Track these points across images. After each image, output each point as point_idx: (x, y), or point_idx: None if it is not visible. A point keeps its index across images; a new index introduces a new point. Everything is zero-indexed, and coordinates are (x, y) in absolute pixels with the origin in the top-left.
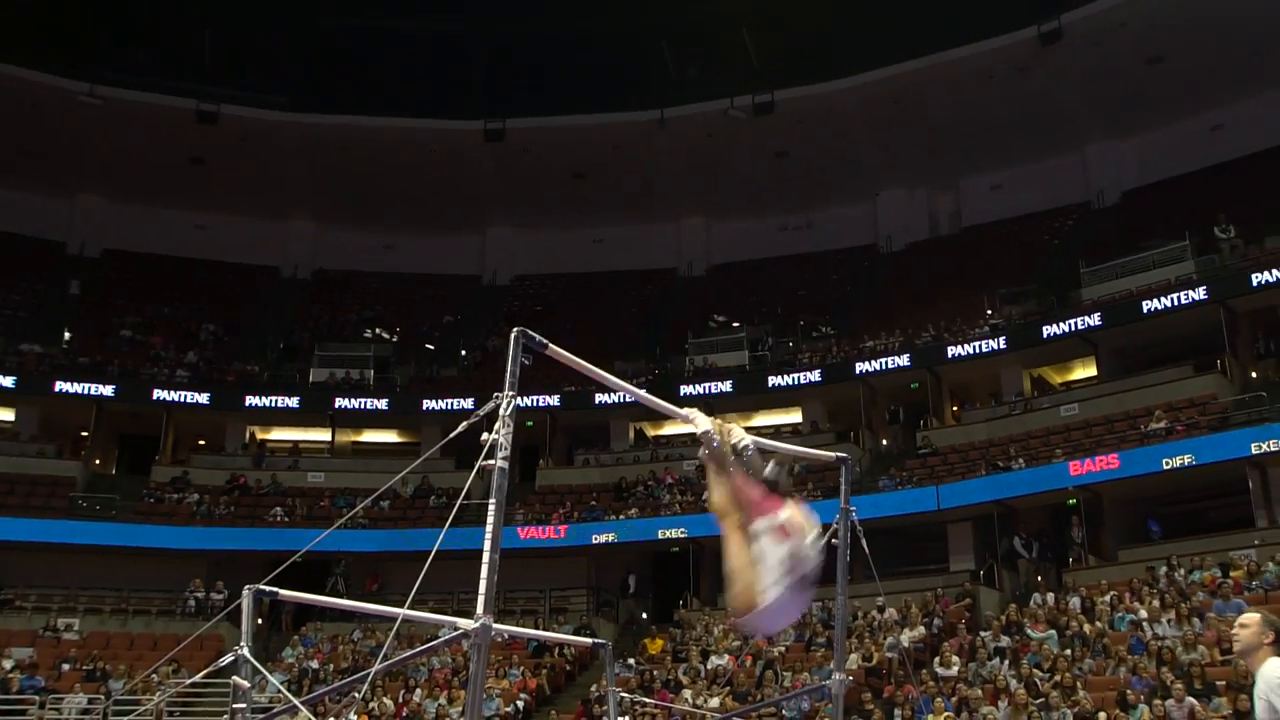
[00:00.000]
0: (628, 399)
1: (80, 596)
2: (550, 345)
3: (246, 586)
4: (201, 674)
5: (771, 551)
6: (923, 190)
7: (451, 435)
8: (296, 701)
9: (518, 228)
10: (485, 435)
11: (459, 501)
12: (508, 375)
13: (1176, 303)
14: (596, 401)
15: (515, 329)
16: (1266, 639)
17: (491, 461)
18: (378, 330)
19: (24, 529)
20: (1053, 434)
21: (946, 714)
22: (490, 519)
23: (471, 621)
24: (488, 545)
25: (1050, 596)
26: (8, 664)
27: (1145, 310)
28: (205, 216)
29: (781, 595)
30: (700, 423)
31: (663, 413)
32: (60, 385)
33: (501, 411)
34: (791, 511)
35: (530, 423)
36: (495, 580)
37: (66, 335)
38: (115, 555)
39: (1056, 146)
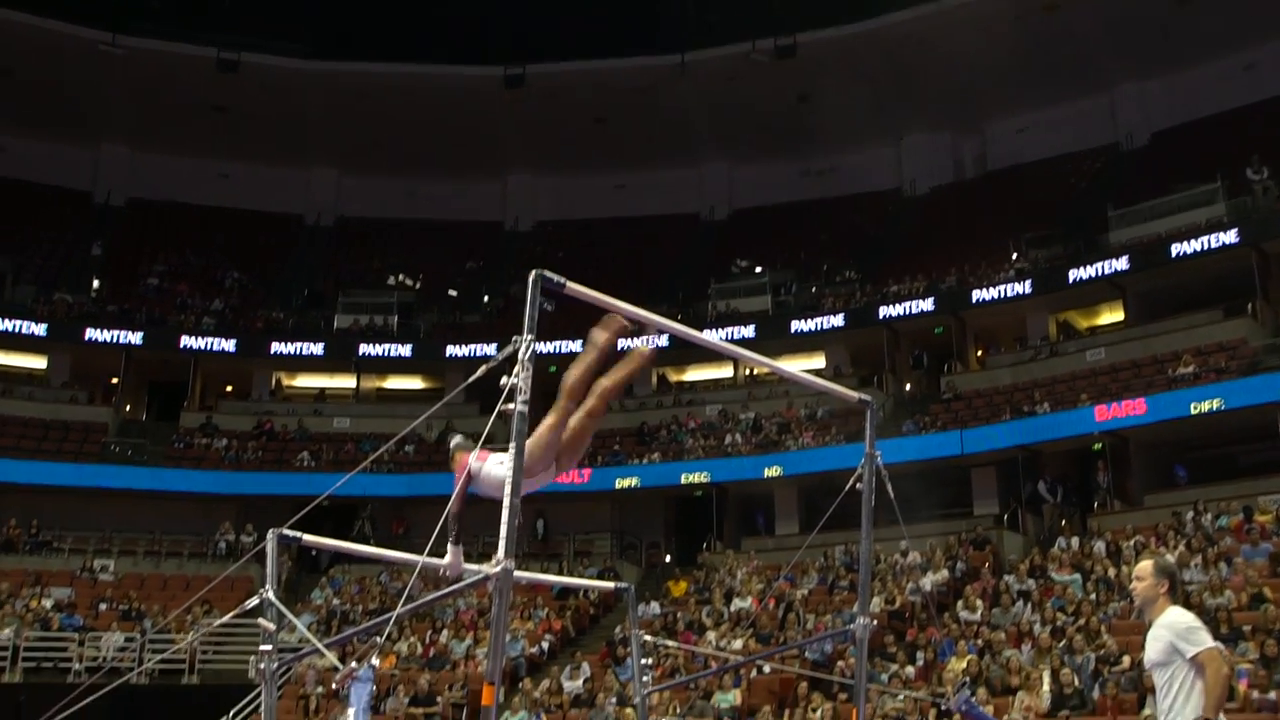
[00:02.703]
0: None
1: (115, 539)
2: (568, 284)
3: (270, 530)
4: (229, 616)
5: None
6: (947, 134)
7: (470, 379)
8: (319, 644)
9: (539, 174)
10: (504, 379)
11: (477, 446)
12: (526, 318)
13: (1207, 246)
14: (620, 347)
15: (533, 271)
16: (1162, 588)
17: (511, 405)
18: (401, 277)
19: (59, 473)
20: (1078, 379)
21: (969, 657)
22: (510, 463)
23: (492, 566)
24: (508, 490)
25: (1074, 541)
26: (48, 603)
27: (1174, 254)
28: (228, 165)
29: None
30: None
31: (691, 340)
32: (90, 333)
33: (520, 355)
34: None
35: (553, 368)
36: (516, 525)
37: (95, 284)
38: (147, 499)
39: (1084, 87)
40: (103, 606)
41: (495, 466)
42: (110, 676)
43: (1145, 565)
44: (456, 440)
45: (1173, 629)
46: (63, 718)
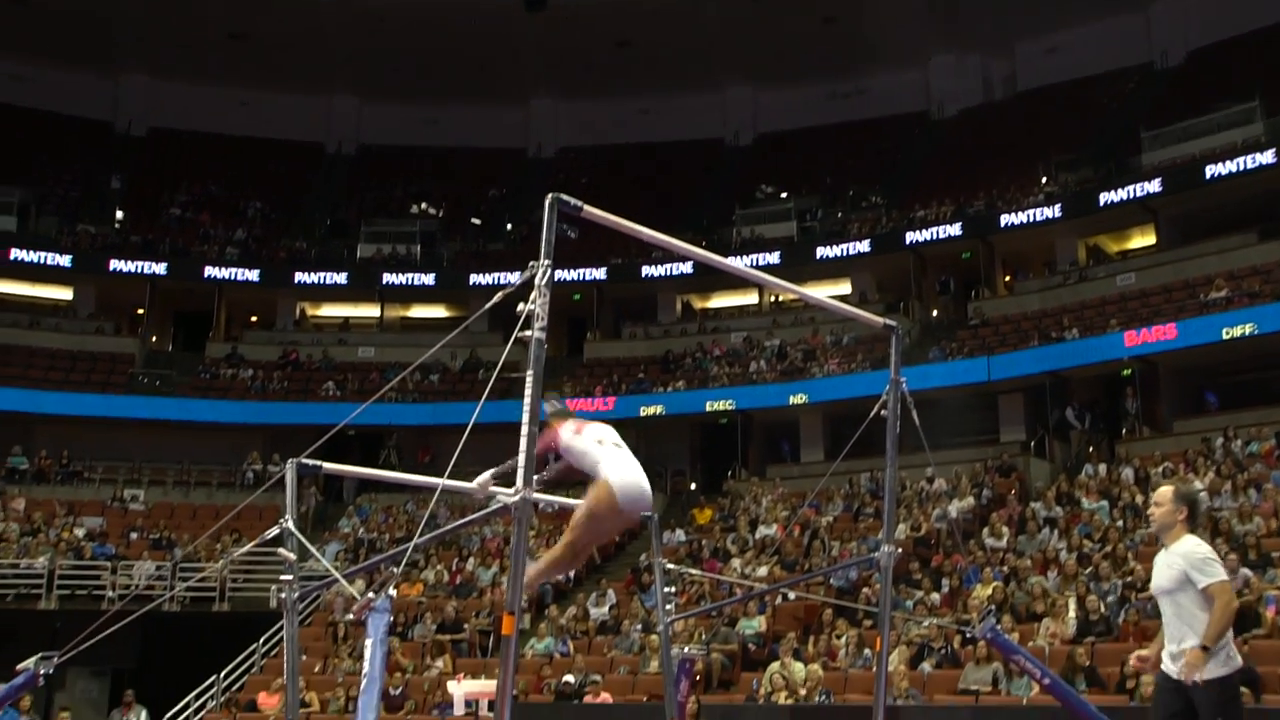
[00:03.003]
0: (674, 272)
1: (144, 469)
2: (586, 207)
3: (289, 460)
4: (249, 546)
5: (577, 443)
6: (976, 55)
7: (487, 306)
8: (337, 575)
9: (562, 99)
10: (521, 306)
11: (495, 373)
12: (543, 243)
13: (1243, 167)
14: (643, 274)
15: (550, 195)
16: (1180, 515)
17: (528, 332)
18: (424, 205)
19: (88, 404)
20: (1108, 304)
21: (995, 584)
22: (528, 390)
23: (511, 494)
24: (525, 417)
25: (1102, 468)
26: (80, 532)
27: (1209, 175)
28: (248, 93)
29: (612, 467)
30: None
31: (716, 267)
32: (115, 264)
33: (538, 281)
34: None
35: (578, 296)
36: (535, 452)
37: (118, 215)
38: (175, 429)
39: (1118, 4)
40: (134, 536)
41: (578, 440)
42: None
43: (1165, 490)
44: (551, 407)
45: (1188, 558)
46: (98, 643)
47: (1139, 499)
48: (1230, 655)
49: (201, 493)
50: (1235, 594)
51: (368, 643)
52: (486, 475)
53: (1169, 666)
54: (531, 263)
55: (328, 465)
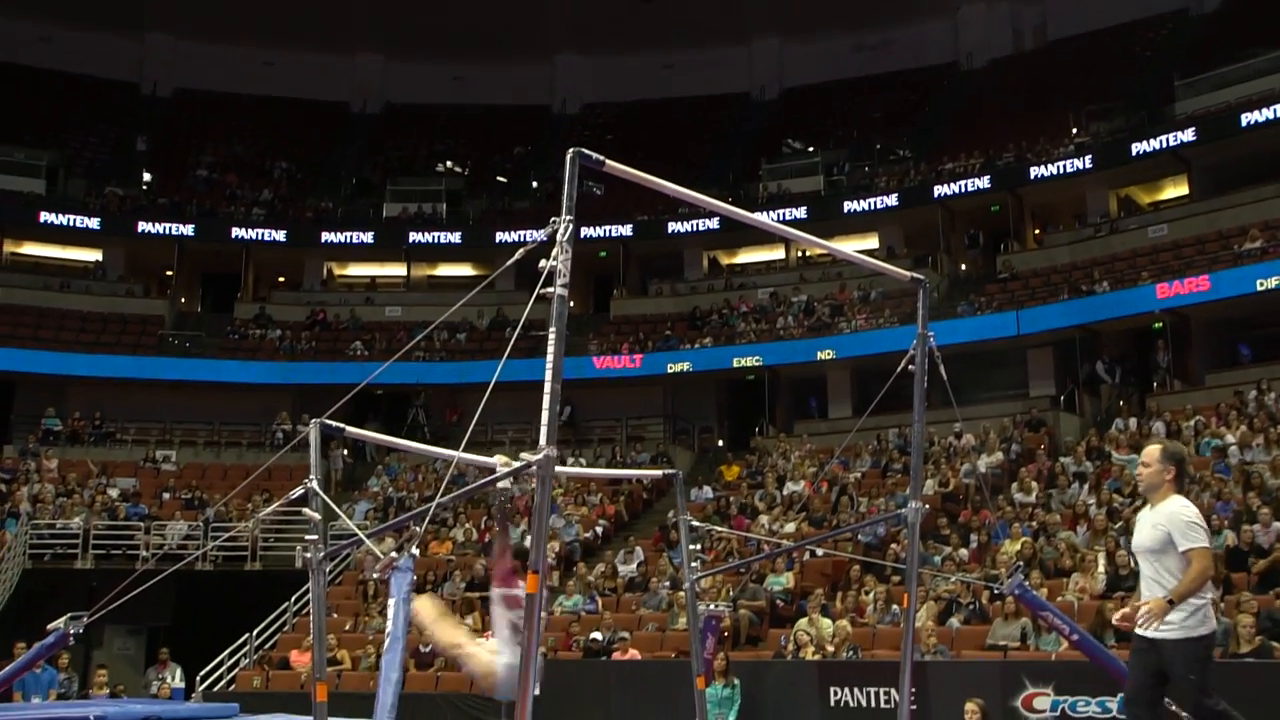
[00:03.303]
0: (700, 228)
1: (175, 430)
2: (608, 162)
3: (312, 420)
4: (274, 507)
5: (500, 617)
6: (1006, 3)
7: (508, 263)
8: (360, 535)
9: (586, 55)
10: (543, 262)
11: (517, 331)
12: (564, 198)
13: (1279, 115)
14: (670, 230)
15: (571, 149)
16: (1168, 475)
17: (550, 289)
18: (449, 163)
19: (119, 365)
20: (1139, 256)
21: (1024, 539)
22: (551, 348)
23: (534, 454)
24: (549, 375)
25: (1133, 422)
26: (114, 493)
27: (1244, 124)
28: (273, 53)
29: (510, 661)
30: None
31: (742, 222)
32: (142, 226)
33: (559, 236)
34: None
35: (604, 253)
36: (558, 411)
37: (145, 177)
38: (206, 390)
39: None
40: (166, 496)
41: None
42: (176, 563)
43: (1153, 450)
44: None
45: (1173, 520)
46: (133, 602)
47: None
48: (1207, 616)
49: (232, 453)
50: (1214, 562)
51: (391, 601)
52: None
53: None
54: (553, 219)
55: (350, 429)
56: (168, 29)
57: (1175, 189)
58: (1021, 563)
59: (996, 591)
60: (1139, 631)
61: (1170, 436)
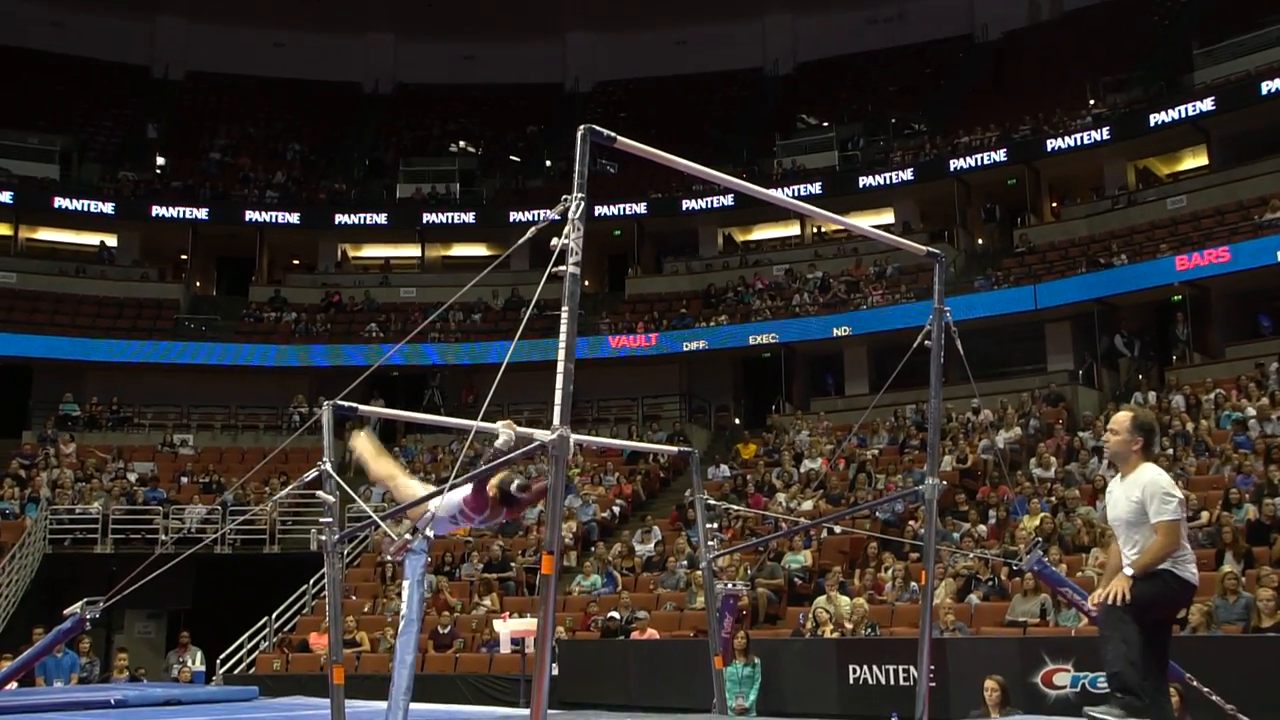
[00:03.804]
0: (715, 205)
1: (193, 414)
2: (619, 138)
3: (325, 402)
4: (288, 489)
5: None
6: None
7: (520, 242)
8: (376, 517)
9: (598, 32)
10: (555, 240)
11: (527, 311)
12: (575, 175)
13: None
14: (684, 208)
15: (582, 127)
16: (1135, 445)
17: (562, 267)
18: (462, 143)
19: (136, 350)
20: (1158, 228)
21: (1043, 514)
22: (564, 327)
23: (549, 433)
24: (561, 354)
25: (1152, 395)
26: (132, 477)
27: (1264, 92)
28: (284, 34)
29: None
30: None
31: (757, 198)
32: (156, 210)
33: (570, 214)
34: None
35: (618, 231)
36: (571, 390)
37: (159, 160)
38: (222, 373)
39: None
40: (184, 480)
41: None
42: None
43: (1122, 417)
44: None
45: (1146, 490)
46: (152, 584)
47: (1190, 427)
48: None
49: (249, 436)
50: (1181, 535)
51: (405, 584)
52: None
53: None
54: (564, 197)
55: (363, 408)
56: (179, 11)
57: (1194, 160)
58: (1040, 538)
59: (1015, 568)
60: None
61: (1190, 410)
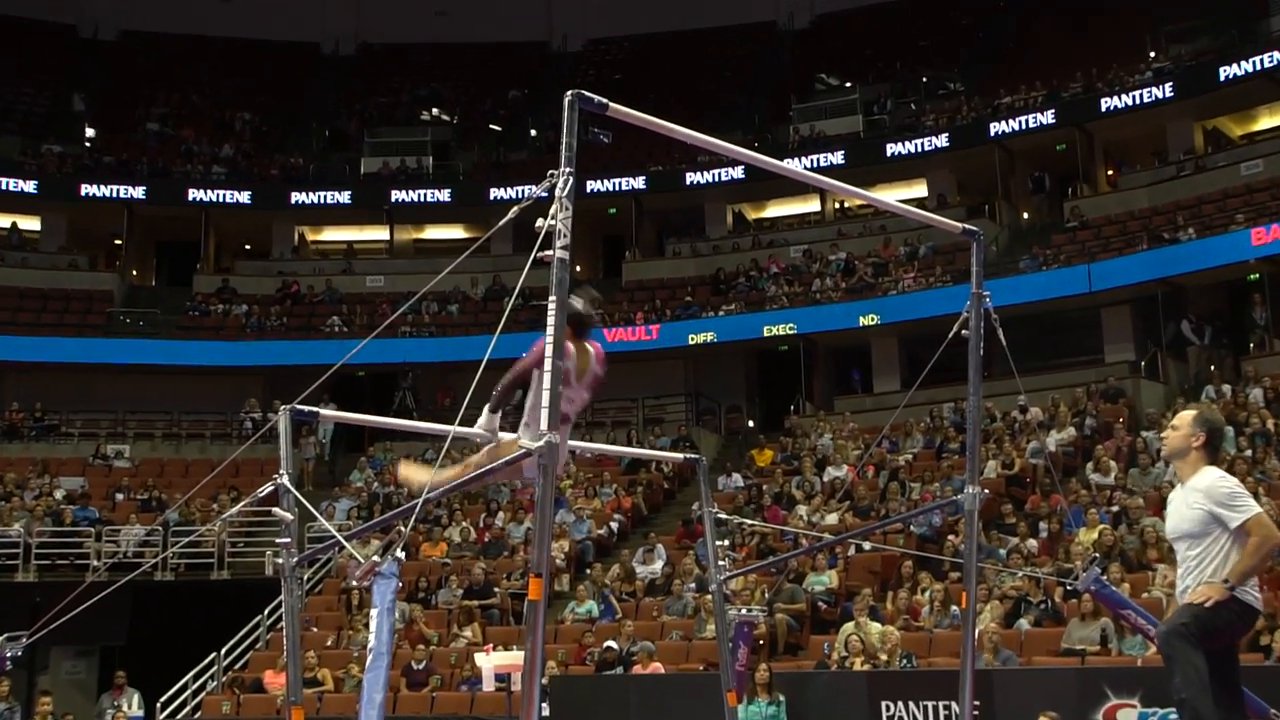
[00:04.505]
0: (723, 178)
1: (129, 421)
2: (612, 105)
3: (282, 406)
4: (241, 505)
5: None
6: None
7: (501, 223)
8: (339, 537)
9: None
10: (541, 221)
11: (511, 300)
12: (563, 148)
13: None
14: (688, 182)
15: (570, 92)
16: (1196, 442)
17: (549, 252)
18: (435, 111)
19: (62, 349)
20: (1231, 197)
21: (1101, 526)
22: (551, 319)
23: (535, 440)
24: (549, 350)
25: (1226, 389)
26: (59, 494)
27: None
28: None
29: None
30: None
31: (770, 171)
32: (86, 189)
33: (558, 192)
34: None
35: (614, 209)
36: (560, 391)
37: (89, 132)
38: (162, 375)
39: None
40: (119, 496)
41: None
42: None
43: (1185, 414)
44: (584, 307)
45: (1211, 495)
46: (82, 616)
47: (1270, 424)
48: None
49: (194, 446)
50: (1274, 528)
51: (373, 613)
52: (486, 416)
53: None
54: (551, 172)
55: (325, 412)
56: None
57: (1271, 118)
58: (1099, 554)
59: (1071, 588)
60: None
61: (1270, 405)
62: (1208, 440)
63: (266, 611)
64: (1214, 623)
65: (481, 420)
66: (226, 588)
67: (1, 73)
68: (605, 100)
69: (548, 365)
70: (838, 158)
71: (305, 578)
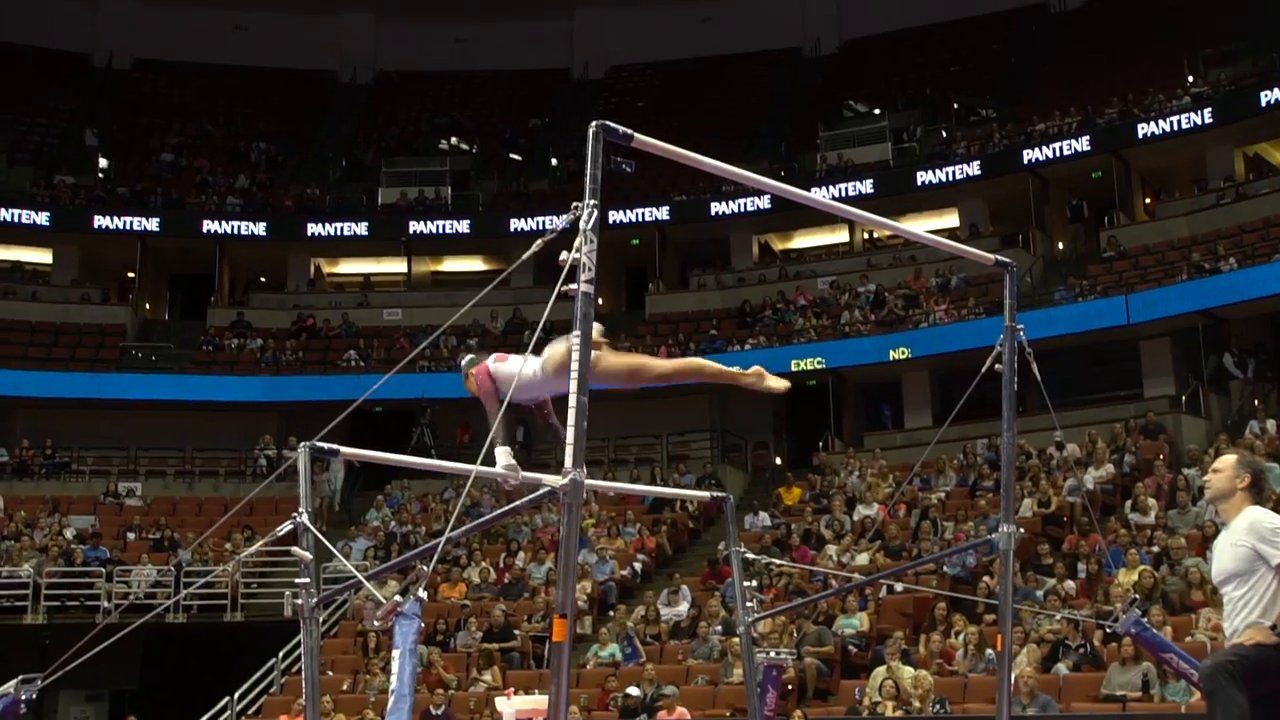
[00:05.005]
0: (749, 208)
1: (141, 458)
2: (636, 136)
3: (302, 444)
4: (259, 544)
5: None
6: None
7: (524, 256)
8: (359, 576)
9: (611, 7)
10: (564, 254)
11: (535, 335)
12: (587, 179)
13: None
14: (713, 212)
15: (594, 123)
16: (1241, 483)
17: (573, 285)
18: (454, 140)
19: (73, 384)
20: (1273, 225)
21: (1142, 567)
22: (575, 354)
23: (559, 477)
24: (574, 386)
25: (1271, 424)
26: (69, 534)
27: None
28: (245, 15)
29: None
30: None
31: (797, 201)
32: (99, 220)
33: (582, 225)
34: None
35: (636, 240)
36: (585, 427)
37: (102, 163)
38: (175, 410)
39: None
40: (131, 536)
41: (503, 365)
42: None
43: (1228, 457)
44: (465, 360)
45: (1255, 532)
46: (93, 661)
47: None
48: None
49: (208, 483)
50: None
51: (395, 654)
52: (504, 455)
53: None
54: (575, 204)
55: (346, 450)
56: None
57: None
58: (1139, 596)
59: (1110, 630)
60: None
61: None
62: (1252, 482)
63: (281, 654)
64: (1261, 664)
65: (500, 460)
66: (239, 630)
67: (14, 103)
68: (630, 131)
69: (572, 401)
70: (867, 186)
71: (321, 620)
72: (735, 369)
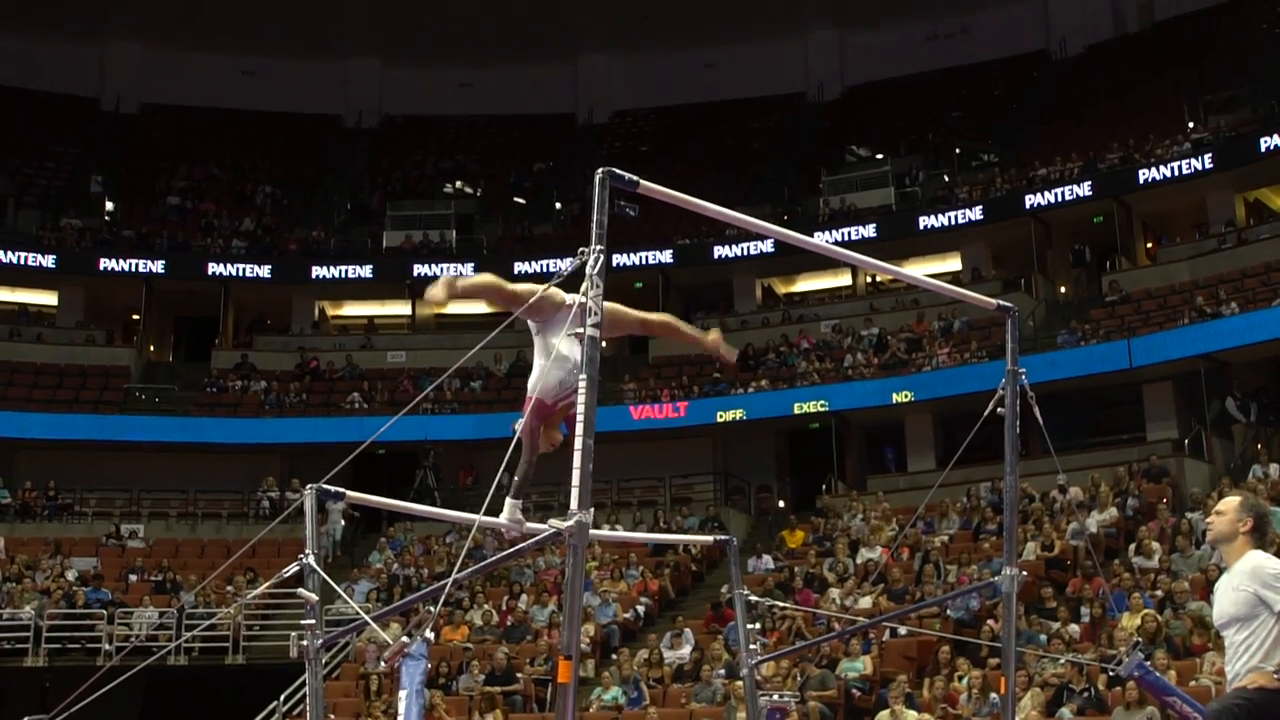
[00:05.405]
0: (752, 251)
1: (144, 500)
2: (643, 182)
3: (307, 486)
4: (265, 586)
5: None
6: None
7: (532, 300)
8: (366, 617)
9: (615, 54)
10: (570, 297)
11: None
12: (594, 225)
13: None
14: (716, 255)
15: (600, 169)
16: (1244, 527)
17: (580, 329)
18: (458, 184)
19: (77, 426)
20: (1274, 270)
21: (1146, 611)
22: (581, 398)
23: (564, 520)
24: (580, 429)
25: (1273, 468)
26: (71, 575)
27: None
28: (253, 61)
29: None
30: None
31: (800, 246)
32: (105, 263)
33: (589, 269)
34: None
35: (639, 284)
36: (590, 469)
37: (109, 206)
38: (179, 452)
39: None
40: (133, 578)
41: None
42: (145, 657)
43: (1231, 499)
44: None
45: (1258, 577)
46: (94, 704)
47: None
48: None
49: (210, 526)
50: None
51: (401, 695)
52: (512, 508)
53: None
54: (581, 249)
55: (352, 494)
56: (132, 35)
57: None
58: (1142, 639)
59: (1114, 674)
60: None
61: None
62: (1255, 526)
63: (283, 698)
64: (1264, 709)
65: (506, 511)
66: (242, 673)
67: (23, 146)
68: (636, 178)
69: (578, 444)
70: (869, 231)
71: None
72: (698, 332)
